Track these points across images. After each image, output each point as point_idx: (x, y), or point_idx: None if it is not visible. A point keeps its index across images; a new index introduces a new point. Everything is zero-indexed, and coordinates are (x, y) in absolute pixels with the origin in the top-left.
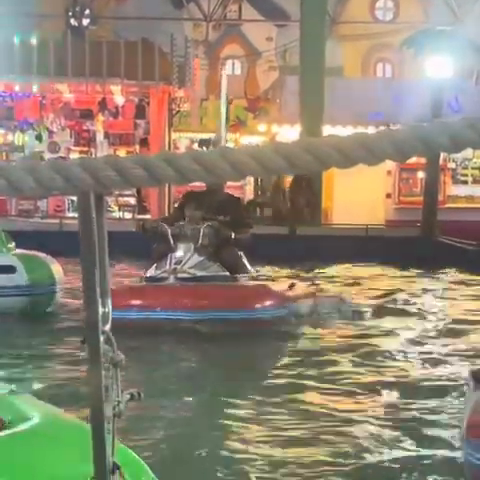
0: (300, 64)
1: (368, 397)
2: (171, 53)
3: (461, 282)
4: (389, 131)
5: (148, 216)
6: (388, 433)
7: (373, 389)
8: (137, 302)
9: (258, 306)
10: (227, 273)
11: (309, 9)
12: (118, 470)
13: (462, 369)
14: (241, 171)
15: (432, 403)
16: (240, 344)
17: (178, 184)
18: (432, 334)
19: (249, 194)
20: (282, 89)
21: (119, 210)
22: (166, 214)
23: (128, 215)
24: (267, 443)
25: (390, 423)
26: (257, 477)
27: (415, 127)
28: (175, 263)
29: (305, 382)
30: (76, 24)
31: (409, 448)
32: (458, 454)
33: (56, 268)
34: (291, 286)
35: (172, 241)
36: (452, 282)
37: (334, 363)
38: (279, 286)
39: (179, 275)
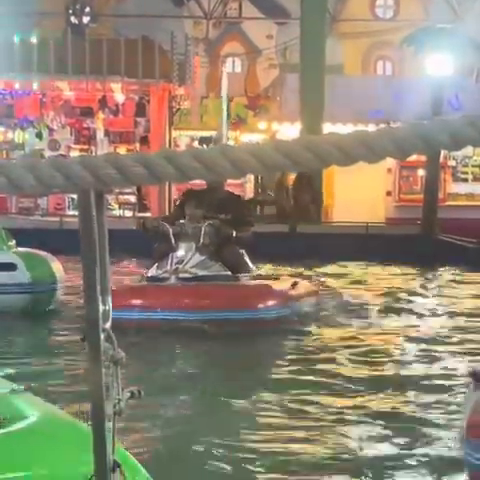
0: (300, 62)
1: (369, 396)
2: (171, 51)
3: (461, 280)
4: (389, 129)
5: (148, 214)
6: (388, 432)
7: (374, 388)
8: (138, 302)
9: (261, 306)
10: (229, 272)
11: (309, 7)
12: (119, 468)
13: (462, 368)
14: (241, 169)
15: (432, 402)
16: (240, 343)
17: (178, 182)
18: (432, 332)
19: (249, 192)
20: (282, 87)
21: (119, 208)
22: (166, 212)
23: (128, 213)
24: (267, 442)
25: (390, 422)
26: (257, 476)
27: (415, 125)
28: (177, 263)
29: (306, 381)
30: (76, 22)
31: (409, 448)
32: (458, 454)
33: (57, 266)
34: (294, 285)
35: (173, 240)
36: (452, 280)
37: (335, 361)
38: (281, 285)
39: (181, 275)
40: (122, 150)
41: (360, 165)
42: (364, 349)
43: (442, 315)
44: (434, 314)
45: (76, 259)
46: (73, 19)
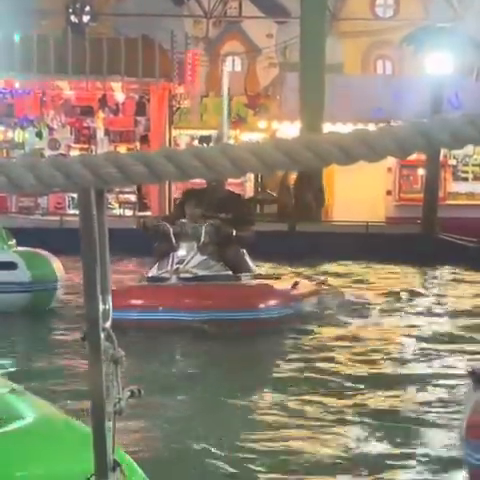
0: (300, 61)
1: (369, 395)
2: (171, 50)
3: (461, 279)
4: (390, 128)
5: (149, 213)
6: (388, 431)
7: (374, 387)
8: (139, 302)
9: (262, 306)
10: (230, 272)
11: (309, 6)
12: (119, 467)
13: (462, 368)
14: (241, 167)
15: (432, 401)
16: (240, 343)
17: (179, 181)
18: (432, 331)
19: (249, 191)
20: (282, 86)
21: (120, 207)
22: (166, 211)
23: (129, 212)
24: (267, 442)
25: (390, 421)
26: (257, 476)
27: (416, 124)
28: (177, 263)
29: (306, 380)
30: (76, 21)
31: (409, 447)
32: (457, 454)
33: (57, 265)
34: (295, 285)
35: (174, 240)
36: (452, 279)
37: (335, 360)
38: (283, 285)
39: (181, 275)
40: (122, 149)
41: (360, 164)
42: (364, 348)
43: (442, 314)
44: (434, 313)
45: (76, 258)
46: (73, 18)
